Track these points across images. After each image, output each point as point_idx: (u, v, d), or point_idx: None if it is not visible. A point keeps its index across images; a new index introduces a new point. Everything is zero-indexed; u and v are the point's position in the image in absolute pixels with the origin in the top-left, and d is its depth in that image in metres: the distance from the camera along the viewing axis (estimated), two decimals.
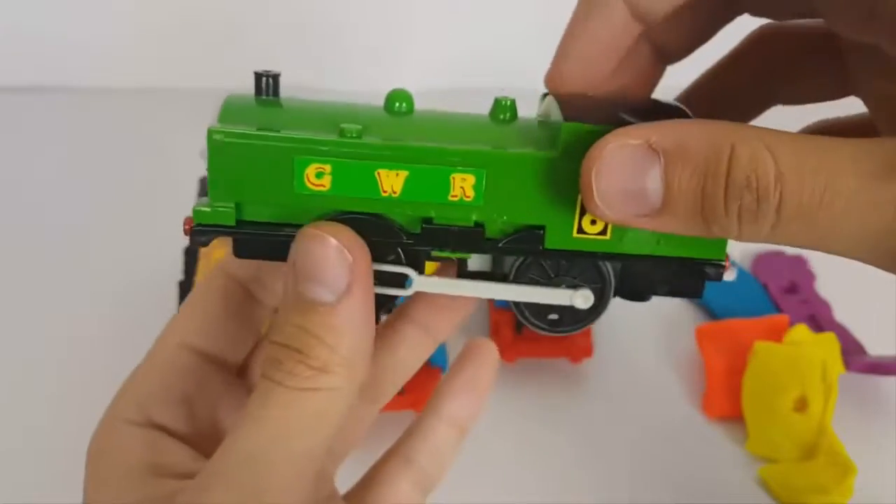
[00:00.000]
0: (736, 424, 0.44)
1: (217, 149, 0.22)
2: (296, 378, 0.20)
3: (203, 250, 0.46)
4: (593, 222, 0.22)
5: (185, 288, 0.45)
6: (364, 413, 0.28)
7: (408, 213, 0.22)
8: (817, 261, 0.55)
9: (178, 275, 0.47)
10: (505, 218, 0.22)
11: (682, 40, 0.26)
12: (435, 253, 0.23)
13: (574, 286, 0.24)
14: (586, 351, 0.46)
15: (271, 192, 0.22)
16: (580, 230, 0.22)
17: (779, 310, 0.52)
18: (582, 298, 0.24)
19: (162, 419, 0.24)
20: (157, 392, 0.24)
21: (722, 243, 0.23)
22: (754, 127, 0.19)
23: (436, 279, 0.23)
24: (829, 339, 0.44)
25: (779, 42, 0.26)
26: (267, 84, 0.23)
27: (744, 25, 0.27)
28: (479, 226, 0.23)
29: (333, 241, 0.21)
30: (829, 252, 0.20)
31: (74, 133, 0.71)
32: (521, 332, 0.46)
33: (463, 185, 0.22)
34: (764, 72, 0.26)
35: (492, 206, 0.22)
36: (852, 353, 0.47)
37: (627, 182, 0.20)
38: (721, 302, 0.52)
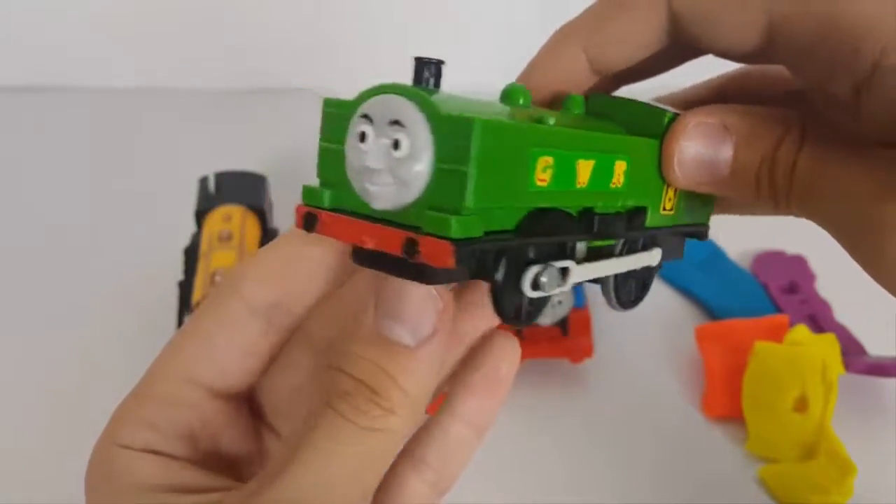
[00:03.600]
0: (736, 424, 0.44)
1: (485, 141, 0.18)
2: (366, 417, 0.20)
3: (203, 250, 0.46)
4: (668, 202, 0.25)
5: (185, 288, 0.45)
6: None
7: (585, 203, 0.22)
8: (817, 261, 0.55)
9: (179, 275, 0.47)
10: (630, 202, 0.24)
11: (643, 76, 0.28)
12: (593, 243, 0.23)
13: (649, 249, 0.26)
14: (586, 351, 0.46)
15: (509, 193, 0.19)
16: (663, 208, 0.25)
17: (779, 310, 0.52)
18: (657, 256, 0.26)
19: (166, 450, 0.23)
20: (162, 426, 0.23)
21: (710, 211, 0.28)
22: (801, 123, 0.24)
23: (584, 266, 0.22)
24: (829, 340, 0.44)
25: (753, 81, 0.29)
26: (430, 72, 0.19)
27: None
28: (638, 210, 0.24)
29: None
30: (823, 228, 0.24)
31: (74, 133, 0.71)
32: (522, 333, 0.46)
33: (619, 173, 0.22)
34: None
35: (630, 191, 0.23)
36: (852, 353, 0.47)
37: (703, 153, 0.24)
38: (721, 302, 0.52)
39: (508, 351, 0.26)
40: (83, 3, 0.74)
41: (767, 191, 0.24)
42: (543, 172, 0.19)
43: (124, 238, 0.57)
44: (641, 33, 0.24)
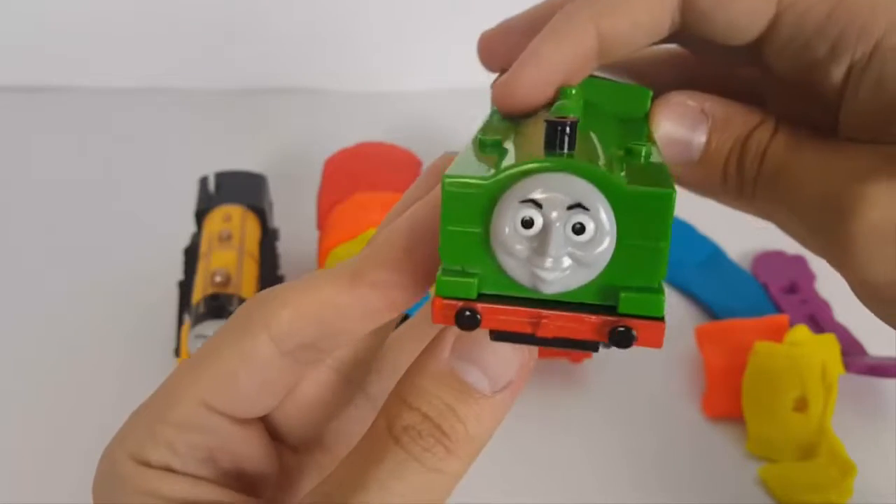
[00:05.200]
0: (736, 424, 0.44)
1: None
2: (432, 458, 0.20)
3: (203, 250, 0.46)
4: None
5: (185, 288, 0.45)
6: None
7: None
8: (817, 261, 0.55)
9: (179, 275, 0.47)
10: None
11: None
12: None
13: None
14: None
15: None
16: None
17: (779, 310, 0.52)
18: None
19: (186, 470, 0.22)
20: (181, 450, 0.22)
21: None
22: (775, 116, 0.25)
23: None
24: (829, 340, 0.44)
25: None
26: (564, 134, 0.17)
27: None
28: None
29: None
30: (782, 227, 0.25)
31: (74, 133, 0.71)
32: None
33: None
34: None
35: None
36: (852, 353, 0.47)
37: (680, 132, 0.24)
38: (721, 302, 0.52)
39: (526, 369, 0.26)
40: (83, 3, 0.74)
41: (734, 178, 0.25)
42: None
43: (124, 238, 0.57)
44: (657, 10, 0.24)
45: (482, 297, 0.18)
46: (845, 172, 0.22)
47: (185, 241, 0.48)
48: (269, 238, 0.49)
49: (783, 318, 0.47)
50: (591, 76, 0.25)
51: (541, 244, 0.17)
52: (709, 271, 0.55)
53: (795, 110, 0.25)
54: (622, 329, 0.17)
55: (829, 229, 0.22)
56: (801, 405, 0.42)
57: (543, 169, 0.17)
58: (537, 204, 0.17)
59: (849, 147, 0.23)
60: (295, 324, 0.21)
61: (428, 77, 0.77)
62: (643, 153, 0.19)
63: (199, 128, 0.72)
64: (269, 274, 0.48)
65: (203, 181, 0.52)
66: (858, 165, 0.22)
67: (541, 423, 0.44)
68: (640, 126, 0.24)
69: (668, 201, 0.17)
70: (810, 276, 0.54)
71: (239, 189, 0.51)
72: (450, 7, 0.75)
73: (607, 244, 0.17)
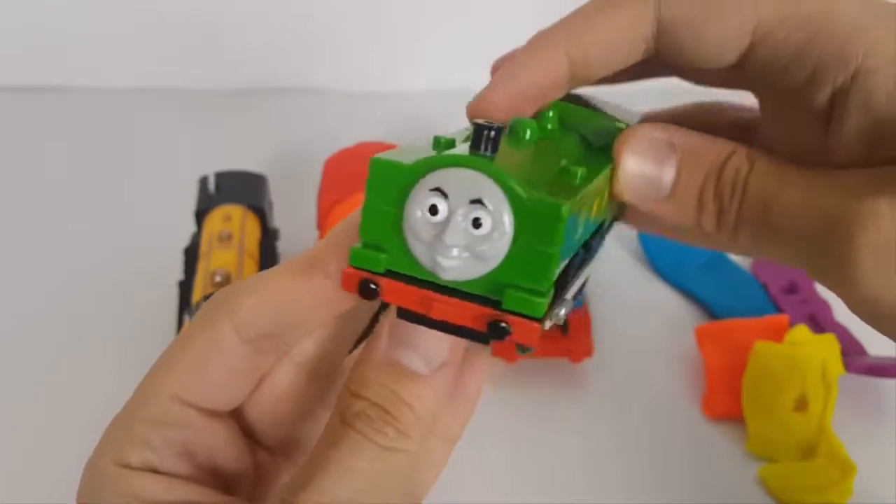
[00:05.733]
0: (736, 424, 0.44)
1: (566, 223, 0.19)
2: (385, 437, 0.21)
3: (203, 250, 0.46)
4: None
5: (185, 288, 0.45)
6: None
7: (588, 235, 0.23)
8: None
9: (179, 275, 0.47)
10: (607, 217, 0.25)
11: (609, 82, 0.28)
12: None
13: None
14: (586, 351, 0.46)
15: (564, 256, 0.20)
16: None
17: (779, 310, 0.52)
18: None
19: (166, 468, 0.23)
20: (157, 445, 0.23)
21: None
22: (747, 147, 0.23)
23: (574, 283, 0.23)
24: (829, 340, 0.44)
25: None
26: (489, 137, 0.19)
27: None
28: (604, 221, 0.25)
29: None
30: (781, 259, 0.23)
31: (74, 133, 0.71)
32: None
33: (604, 199, 0.24)
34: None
35: (607, 209, 0.24)
36: (852, 353, 0.47)
37: (647, 167, 0.23)
38: (721, 302, 0.52)
39: (479, 367, 0.26)
40: (83, 3, 0.74)
41: (712, 214, 0.23)
42: (580, 227, 0.21)
43: (124, 238, 0.57)
44: (628, 37, 0.24)
45: (388, 274, 0.20)
46: (841, 194, 0.21)
47: (185, 241, 0.48)
48: (269, 238, 0.49)
49: (783, 318, 0.47)
50: (583, 104, 0.26)
51: (441, 232, 0.18)
52: (709, 271, 0.55)
53: (787, 136, 0.25)
54: (498, 322, 0.19)
55: (827, 253, 0.22)
56: (801, 405, 0.42)
57: (455, 162, 0.18)
58: (444, 194, 0.18)
59: (839, 171, 0.22)
60: (255, 312, 0.23)
61: (427, 77, 0.77)
62: (578, 175, 0.20)
63: (199, 128, 0.72)
64: None
65: (203, 181, 0.52)
66: (854, 186, 0.22)
67: (540, 423, 0.44)
68: (605, 156, 0.24)
69: (558, 211, 0.18)
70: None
71: (239, 189, 0.51)
72: (449, 7, 0.75)
73: (502, 241, 0.18)
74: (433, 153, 0.19)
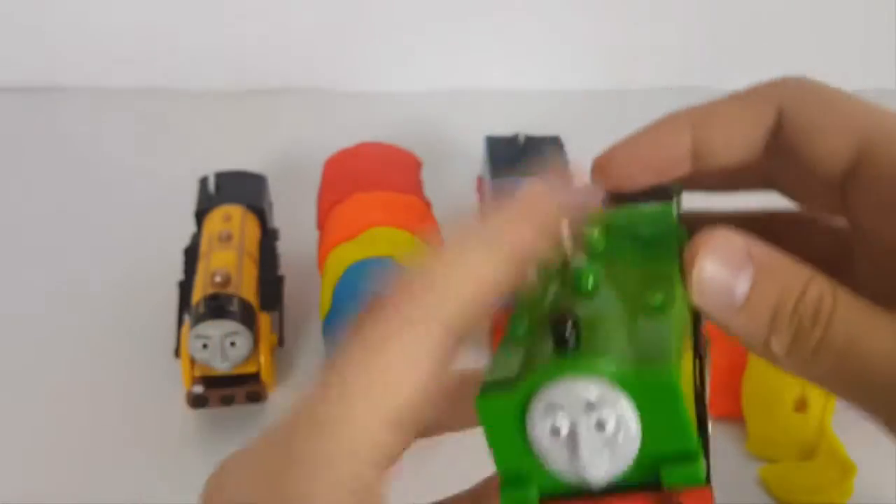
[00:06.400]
0: (736, 424, 0.44)
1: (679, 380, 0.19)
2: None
3: (203, 251, 0.46)
4: None
5: (185, 288, 0.45)
6: None
7: None
8: None
9: (179, 275, 0.47)
10: None
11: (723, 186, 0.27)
12: None
13: None
14: None
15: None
16: None
17: None
18: None
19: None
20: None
21: None
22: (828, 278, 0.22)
23: None
24: None
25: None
26: (570, 331, 0.18)
27: None
28: None
29: None
30: (856, 403, 0.22)
31: (74, 133, 0.71)
32: None
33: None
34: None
35: None
36: None
37: (722, 274, 0.22)
38: None
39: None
40: (82, 3, 0.74)
41: (786, 335, 0.22)
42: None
43: (124, 238, 0.57)
44: (750, 130, 0.24)
45: (544, 498, 0.19)
46: None
47: (185, 241, 0.48)
48: (268, 238, 0.49)
49: None
50: (635, 205, 0.25)
51: (573, 449, 0.18)
52: None
53: (881, 275, 0.24)
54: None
55: None
56: (801, 405, 0.42)
57: (551, 377, 0.18)
58: (559, 406, 0.18)
59: None
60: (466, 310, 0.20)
61: (428, 77, 0.77)
62: (658, 302, 0.20)
63: (199, 128, 0.72)
64: (269, 274, 0.48)
65: (203, 181, 0.52)
66: None
67: None
68: (665, 251, 0.23)
69: (667, 378, 0.18)
70: None
71: (239, 189, 0.51)
72: (450, 8, 0.75)
73: (631, 430, 0.18)
74: (519, 357, 0.19)
